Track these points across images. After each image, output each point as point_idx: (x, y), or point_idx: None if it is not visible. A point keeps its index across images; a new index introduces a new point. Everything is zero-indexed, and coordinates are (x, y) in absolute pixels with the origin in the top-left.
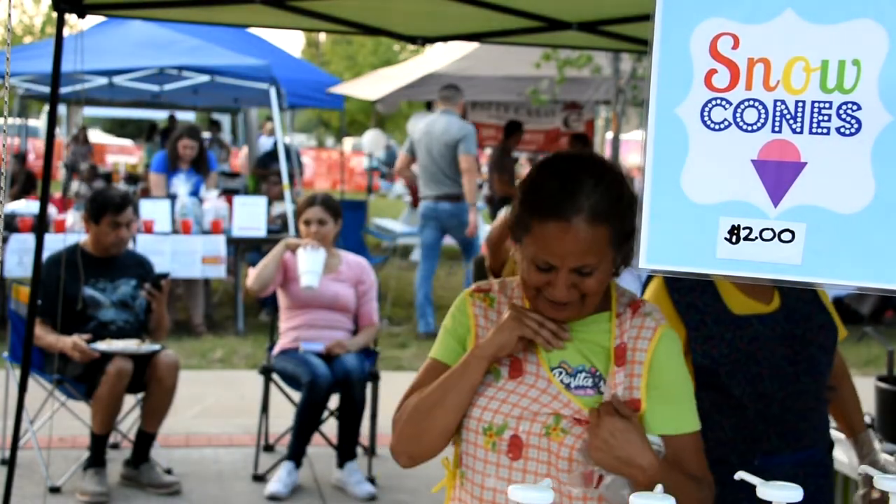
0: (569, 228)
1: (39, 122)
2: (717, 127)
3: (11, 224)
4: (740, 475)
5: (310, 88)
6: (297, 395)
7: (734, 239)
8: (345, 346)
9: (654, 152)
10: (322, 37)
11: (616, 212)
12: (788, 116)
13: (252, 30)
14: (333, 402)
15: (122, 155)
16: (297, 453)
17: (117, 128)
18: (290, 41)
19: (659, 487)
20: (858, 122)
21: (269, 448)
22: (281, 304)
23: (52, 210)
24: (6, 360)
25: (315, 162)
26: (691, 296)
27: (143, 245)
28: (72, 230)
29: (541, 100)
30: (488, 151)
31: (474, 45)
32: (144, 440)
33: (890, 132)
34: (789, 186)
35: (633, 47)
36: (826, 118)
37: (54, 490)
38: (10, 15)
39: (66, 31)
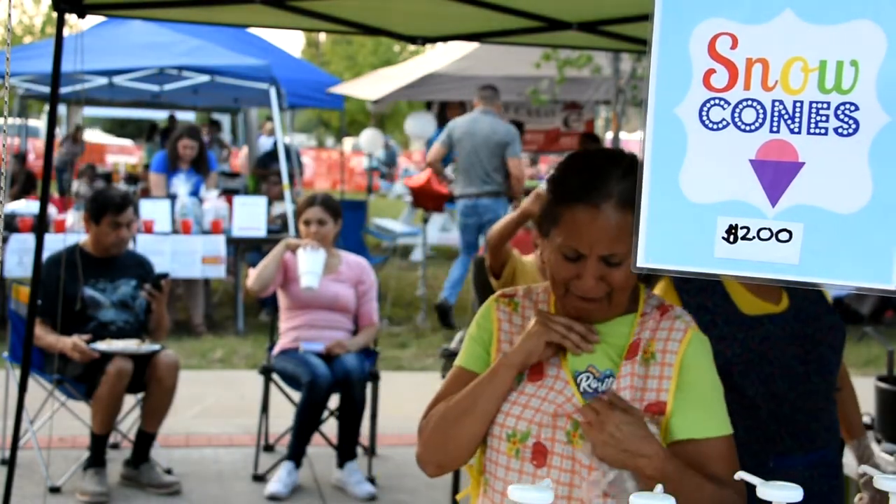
0: (598, 214)
1: (39, 122)
2: (715, 127)
3: (11, 224)
4: (740, 475)
5: (310, 88)
6: (297, 395)
7: (732, 238)
8: (345, 346)
9: (653, 152)
10: (322, 37)
11: None
12: (786, 116)
13: (252, 30)
14: (333, 402)
15: (122, 155)
16: (297, 453)
17: (117, 128)
18: (290, 41)
19: (659, 487)
20: (856, 122)
21: (269, 448)
22: (281, 304)
23: (52, 210)
24: (6, 360)
25: (315, 162)
26: (701, 297)
27: (143, 245)
28: (72, 230)
29: (541, 100)
30: None
31: (474, 45)
32: (144, 440)
33: (887, 132)
34: (787, 186)
35: (633, 47)
36: (824, 118)
37: (54, 490)
38: (10, 15)
39: (66, 31)
